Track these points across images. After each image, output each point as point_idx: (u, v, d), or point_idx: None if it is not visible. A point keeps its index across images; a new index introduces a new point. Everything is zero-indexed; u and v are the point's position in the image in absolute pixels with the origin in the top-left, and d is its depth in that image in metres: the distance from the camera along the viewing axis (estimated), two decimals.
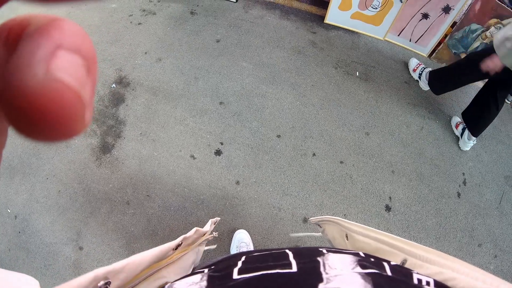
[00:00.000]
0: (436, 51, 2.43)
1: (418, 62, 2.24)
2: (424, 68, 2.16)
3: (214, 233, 0.71)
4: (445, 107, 2.18)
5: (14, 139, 1.87)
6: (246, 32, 2.22)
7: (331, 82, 2.04)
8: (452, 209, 1.79)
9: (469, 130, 1.91)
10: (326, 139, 1.87)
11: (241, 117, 1.90)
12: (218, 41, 2.19)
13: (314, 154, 1.87)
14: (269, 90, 1.97)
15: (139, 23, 2.41)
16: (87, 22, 2.55)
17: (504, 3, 2.36)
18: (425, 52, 2.42)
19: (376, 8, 2.18)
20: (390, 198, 1.82)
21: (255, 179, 1.72)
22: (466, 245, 1.70)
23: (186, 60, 2.14)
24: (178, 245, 0.51)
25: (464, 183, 1.89)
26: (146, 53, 2.24)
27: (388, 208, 1.75)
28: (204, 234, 0.63)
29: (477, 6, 2.14)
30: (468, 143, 1.95)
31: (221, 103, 1.95)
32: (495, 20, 2.21)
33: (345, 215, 1.77)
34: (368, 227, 0.45)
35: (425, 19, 2.25)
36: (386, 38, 2.35)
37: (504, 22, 2.19)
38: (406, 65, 2.30)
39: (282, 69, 2.07)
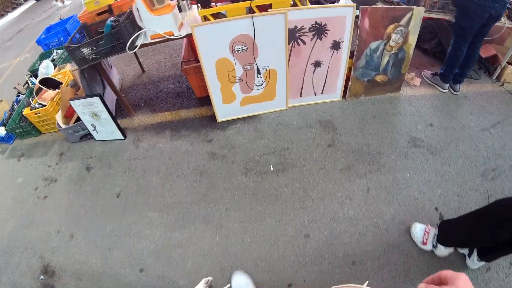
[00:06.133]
0: (348, 89, 2.28)
1: (423, 228, 1.71)
2: (435, 234, 1.64)
3: None
4: (382, 152, 2.12)
5: None
6: (142, 173, 2.29)
7: (246, 195, 2.04)
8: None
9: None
10: (263, 266, 1.81)
11: (166, 279, 1.89)
12: (118, 195, 2.24)
13: None
14: (183, 235, 1.95)
15: (45, 196, 2.56)
16: (2, 205, 2.71)
17: (393, 2, 2.21)
18: (337, 97, 2.33)
19: (262, 84, 2.08)
20: None
21: None
22: None
23: (95, 228, 2.23)
24: None
25: (440, 217, 1.79)
26: (58, 231, 2.35)
27: None
28: None
29: (366, 23, 2.12)
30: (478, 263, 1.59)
31: (141, 270, 1.97)
32: (392, 26, 2.16)
33: None
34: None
35: (319, 67, 2.13)
36: (290, 105, 2.22)
37: (402, 22, 2.13)
38: (322, 124, 2.28)
39: (189, 203, 2.02)
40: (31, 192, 2.66)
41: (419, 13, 2.09)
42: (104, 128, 2.47)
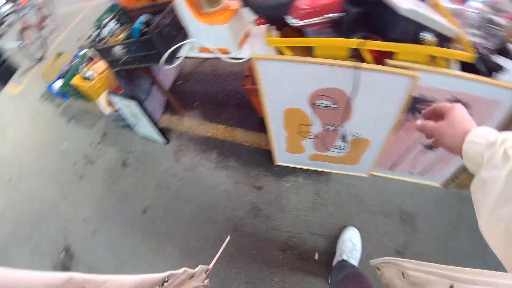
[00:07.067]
0: (456, 180, 1.64)
1: None
2: None
3: (205, 281, 0.79)
4: None
5: None
6: (174, 197, 2.04)
7: (274, 277, 1.63)
8: None
9: None
10: None
11: None
12: (144, 211, 2.08)
13: None
14: None
15: (81, 176, 2.54)
16: (46, 165, 2.86)
17: None
18: (437, 183, 1.69)
19: (343, 149, 1.56)
20: None
21: None
22: None
23: (117, 236, 2.12)
24: (165, 281, 0.59)
25: None
26: (85, 220, 2.34)
27: None
28: (192, 277, 0.70)
29: None
30: None
31: None
32: None
33: None
34: (420, 262, 0.55)
35: (431, 151, 1.51)
36: (373, 173, 1.68)
37: None
38: (402, 216, 1.67)
39: (211, 257, 1.68)
40: (70, 166, 2.66)
41: None
42: (145, 129, 2.19)
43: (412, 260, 0.57)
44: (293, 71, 1.23)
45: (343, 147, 1.59)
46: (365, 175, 1.76)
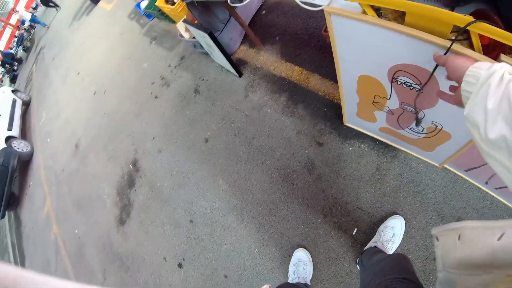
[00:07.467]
0: None
1: None
2: None
3: None
4: None
5: None
6: (236, 133, 2.13)
7: (307, 237, 1.67)
8: None
9: None
10: None
11: (202, 242, 2.01)
12: (206, 141, 2.25)
13: None
14: (234, 224, 1.94)
15: (156, 97, 2.79)
16: (127, 82, 3.22)
17: None
18: (511, 203, 1.43)
19: (419, 133, 1.42)
20: None
21: None
22: None
23: (178, 158, 2.36)
24: None
25: None
26: (153, 138, 2.63)
27: None
28: None
29: None
30: None
31: (191, 221, 2.11)
32: None
33: None
34: (477, 220, 0.55)
35: None
36: (446, 166, 1.52)
37: None
38: (460, 219, 1.49)
39: (256, 200, 1.86)
40: (148, 85, 2.90)
41: None
42: (220, 59, 2.20)
43: (471, 220, 0.57)
44: (373, 36, 1.02)
45: (418, 131, 1.42)
46: (436, 165, 1.57)
